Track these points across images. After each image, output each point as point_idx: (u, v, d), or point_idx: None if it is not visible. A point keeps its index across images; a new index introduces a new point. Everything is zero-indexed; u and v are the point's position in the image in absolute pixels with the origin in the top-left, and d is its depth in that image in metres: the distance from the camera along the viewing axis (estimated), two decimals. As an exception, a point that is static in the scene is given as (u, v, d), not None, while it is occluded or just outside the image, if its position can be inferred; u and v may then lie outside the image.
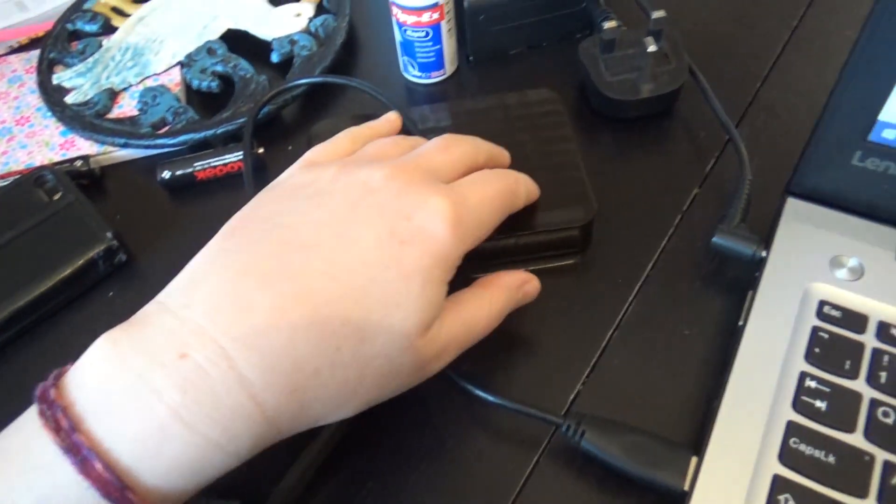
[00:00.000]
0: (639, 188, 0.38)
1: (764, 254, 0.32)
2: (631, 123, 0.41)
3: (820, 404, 0.27)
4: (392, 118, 0.36)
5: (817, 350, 0.29)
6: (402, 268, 0.24)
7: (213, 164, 0.40)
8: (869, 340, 0.29)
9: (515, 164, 0.36)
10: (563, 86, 0.41)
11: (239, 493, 0.27)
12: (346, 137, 0.32)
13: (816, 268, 0.31)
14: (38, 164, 0.41)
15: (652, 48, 0.38)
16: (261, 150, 0.41)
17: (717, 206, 0.37)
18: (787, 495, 0.25)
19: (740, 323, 0.30)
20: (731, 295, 0.33)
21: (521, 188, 0.31)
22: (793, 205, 0.34)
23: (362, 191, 0.26)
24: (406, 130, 0.38)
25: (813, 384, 0.28)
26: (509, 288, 0.30)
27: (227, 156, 0.40)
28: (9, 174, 0.41)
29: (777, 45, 0.44)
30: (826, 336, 0.29)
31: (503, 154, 0.34)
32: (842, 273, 0.31)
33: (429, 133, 0.38)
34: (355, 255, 0.24)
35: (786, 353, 0.29)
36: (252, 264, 0.24)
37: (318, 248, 0.24)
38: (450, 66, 0.45)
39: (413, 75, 0.45)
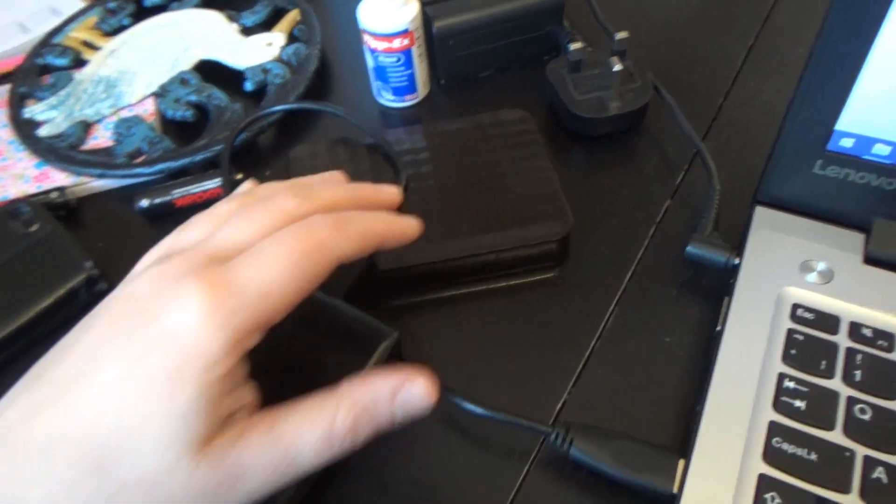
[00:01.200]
0: (612, 202, 0.39)
1: (737, 261, 0.33)
2: (601, 140, 0.42)
3: (799, 404, 0.28)
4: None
5: (793, 351, 0.30)
6: (145, 376, 0.21)
7: (192, 192, 0.40)
8: (842, 340, 0.30)
9: (491, 183, 0.37)
10: (533, 106, 0.42)
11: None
12: (204, 219, 0.27)
13: (787, 273, 0.32)
14: (12, 196, 0.41)
15: (617, 67, 0.39)
16: (239, 176, 0.41)
17: (689, 217, 0.38)
18: (774, 493, 0.26)
19: (718, 328, 0.31)
20: (708, 302, 0.34)
21: (338, 238, 0.25)
22: (761, 213, 0.35)
23: (128, 302, 0.23)
24: (358, 172, 0.39)
25: (791, 385, 0.29)
26: (367, 403, 0.24)
27: (206, 182, 0.40)
28: (-18, 208, 0.40)
29: (736, 62, 0.46)
30: (801, 338, 0.30)
31: (372, 192, 0.30)
32: (812, 277, 0.32)
33: (406, 154, 0.39)
34: (96, 384, 0.21)
35: (764, 355, 0.30)
36: (14, 398, 0.22)
37: (63, 382, 0.21)
38: (422, 90, 0.46)
39: (387, 99, 0.46)
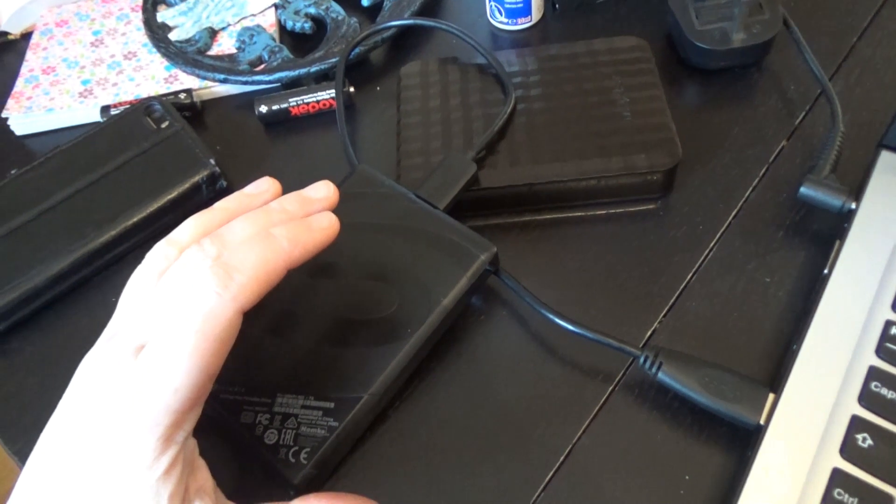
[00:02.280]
0: (724, 138, 0.38)
1: (853, 205, 0.32)
2: (719, 74, 0.41)
3: (904, 352, 0.27)
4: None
5: (904, 300, 0.29)
6: (100, 470, 0.22)
7: (306, 101, 0.42)
8: (959, 293, 0.29)
9: (600, 110, 0.37)
10: (650, 35, 0.41)
11: (332, 397, 0.29)
12: (129, 298, 0.26)
13: (908, 220, 0.31)
14: (145, 95, 0.44)
15: (747, -4, 0.38)
16: (352, 89, 0.42)
17: (803, 160, 0.37)
18: (865, 434, 0.26)
19: (825, 271, 0.30)
20: (816, 246, 0.33)
21: (228, 295, 0.23)
22: (886, 158, 0.33)
23: (70, 433, 0.23)
24: (467, 91, 0.39)
25: (898, 332, 0.28)
26: None
27: (319, 93, 0.41)
28: (120, 104, 0.43)
29: (878, -2, 0.43)
30: (915, 287, 0.29)
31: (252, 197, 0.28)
32: (935, 226, 0.30)
33: (516, 76, 0.39)
34: None
35: (872, 301, 0.29)
36: None
37: None
38: (536, 14, 0.45)
39: (499, 21, 0.45)
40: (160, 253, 0.26)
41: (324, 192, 0.29)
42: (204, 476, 0.25)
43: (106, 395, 0.23)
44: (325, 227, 0.27)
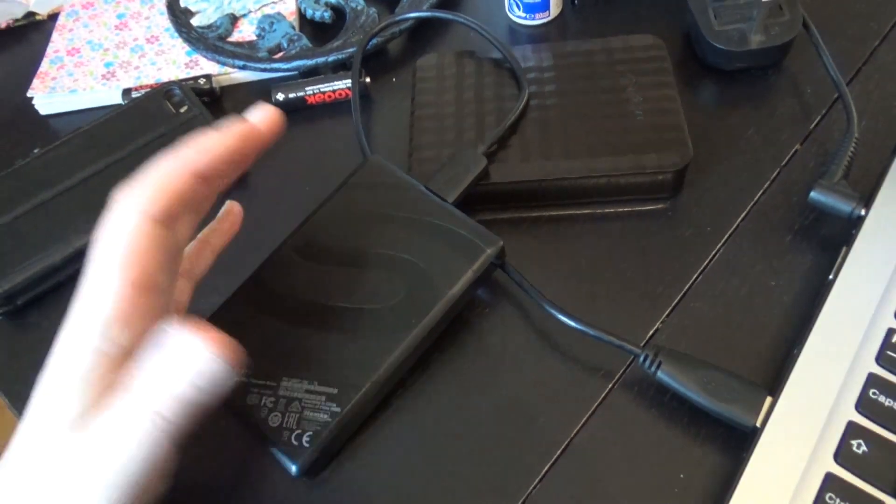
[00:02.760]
0: (738, 140, 0.38)
1: (863, 212, 0.32)
2: (736, 75, 0.41)
3: (905, 360, 0.27)
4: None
5: (908, 309, 0.29)
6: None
7: (322, 90, 0.42)
8: (965, 304, 0.28)
9: (613, 108, 0.37)
10: (667, 33, 0.41)
11: (336, 384, 0.29)
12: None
13: (917, 229, 0.31)
14: (166, 79, 0.45)
15: (767, -3, 0.37)
16: (367, 80, 0.43)
17: (817, 165, 0.37)
18: (861, 441, 0.26)
19: (830, 277, 0.31)
20: (823, 251, 0.33)
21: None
22: (900, 165, 0.33)
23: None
24: (482, 85, 0.39)
25: (900, 341, 0.28)
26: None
27: (336, 82, 0.42)
28: (141, 87, 0.44)
29: (902, 3, 0.43)
30: (919, 296, 0.29)
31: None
32: (944, 236, 0.30)
33: (531, 71, 0.39)
34: None
35: (875, 309, 0.29)
36: None
37: None
38: (554, 9, 0.45)
39: (517, 16, 0.46)
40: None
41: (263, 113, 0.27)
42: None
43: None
44: (237, 128, 0.26)
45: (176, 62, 0.46)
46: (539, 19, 0.45)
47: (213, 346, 0.23)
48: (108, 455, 0.22)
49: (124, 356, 0.23)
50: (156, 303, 0.24)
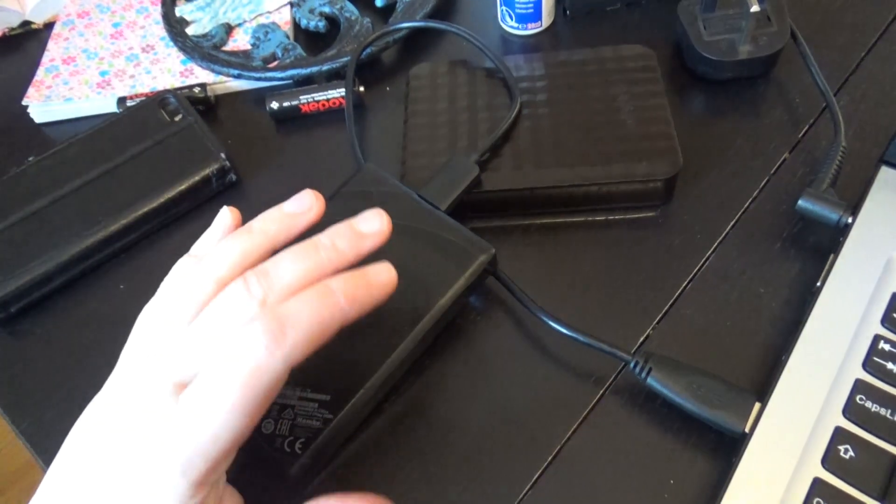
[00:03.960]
0: (727, 149, 0.38)
1: (850, 220, 0.32)
2: (725, 85, 0.41)
3: (892, 366, 0.28)
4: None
5: (895, 315, 0.29)
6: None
7: (316, 99, 0.42)
8: (949, 311, 0.29)
9: (604, 117, 0.37)
10: (657, 44, 0.42)
11: (328, 390, 0.30)
12: (164, 319, 0.25)
13: (903, 237, 0.31)
14: (161, 88, 0.45)
15: (755, 8, 0.38)
16: (361, 89, 0.43)
17: (805, 174, 0.37)
18: (848, 446, 0.26)
19: (818, 284, 0.31)
20: (811, 259, 0.34)
21: (278, 352, 0.22)
22: (886, 174, 0.34)
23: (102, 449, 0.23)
24: (475, 95, 0.39)
25: (887, 347, 0.28)
26: None
27: (330, 91, 0.42)
28: (136, 95, 0.45)
29: (887, 15, 0.43)
30: (905, 303, 0.29)
31: (350, 245, 0.26)
32: (929, 244, 0.31)
33: (523, 81, 0.40)
34: None
35: (862, 315, 0.29)
36: None
37: None
38: (546, 19, 0.46)
39: (510, 26, 0.46)
40: (192, 278, 0.25)
41: (377, 225, 0.26)
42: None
43: (142, 430, 0.22)
44: (385, 282, 0.25)
45: (171, 71, 0.46)
46: (531, 29, 0.46)
47: None
48: None
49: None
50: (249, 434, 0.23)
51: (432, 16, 0.46)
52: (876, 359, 0.28)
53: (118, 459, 0.23)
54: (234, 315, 0.23)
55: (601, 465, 0.29)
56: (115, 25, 0.50)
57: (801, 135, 0.39)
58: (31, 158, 0.41)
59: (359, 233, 0.26)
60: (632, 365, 0.30)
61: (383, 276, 0.25)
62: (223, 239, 0.26)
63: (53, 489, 0.24)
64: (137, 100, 0.44)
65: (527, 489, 0.29)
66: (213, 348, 0.23)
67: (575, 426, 0.30)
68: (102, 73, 0.47)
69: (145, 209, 0.38)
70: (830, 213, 0.33)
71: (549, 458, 0.30)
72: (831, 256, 0.32)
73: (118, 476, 0.23)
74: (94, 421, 0.24)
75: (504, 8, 0.45)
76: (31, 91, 0.46)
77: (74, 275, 0.38)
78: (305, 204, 0.27)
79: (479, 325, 0.34)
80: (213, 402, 0.22)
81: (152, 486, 0.22)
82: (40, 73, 0.47)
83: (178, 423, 0.22)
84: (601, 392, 0.31)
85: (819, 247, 0.34)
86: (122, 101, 0.45)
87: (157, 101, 0.42)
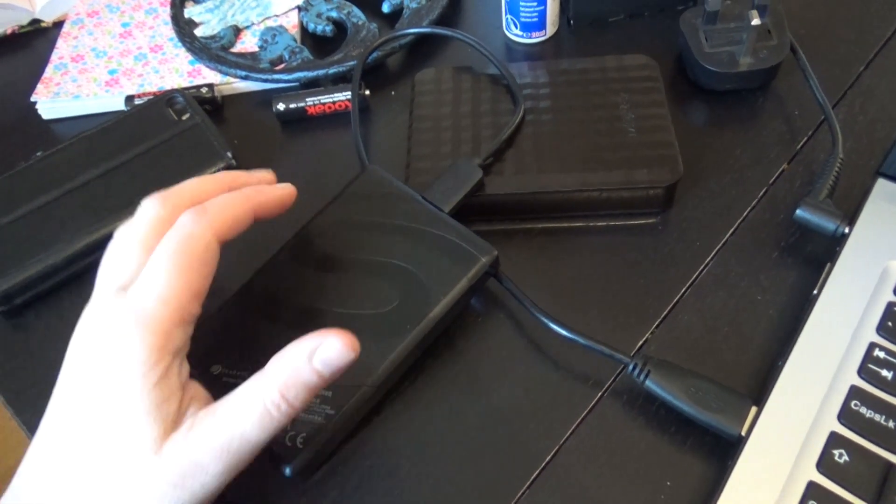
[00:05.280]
0: (726, 159, 0.39)
1: (847, 230, 0.33)
2: (725, 96, 0.42)
3: (886, 373, 0.28)
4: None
5: (890, 324, 0.30)
6: (98, 392, 0.25)
7: (322, 101, 0.43)
8: (943, 320, 0.29)
9: (606, 125, 0.38)
10: (659, 55, 0.42)
11: (331, 386, 0.30)
12: (108, 259, 0.29)
13: (899, 247, 0.32)
14: (168, 87, 0.45)
15: (755, 21, 0.38)
16: (367, 92, 0.43)
17: (803, 184, 0.38)
18: (842, 451, 0.27)
19: (815, 292, 0.31)
20: (808, 268, 0.34)
21: (201, 224, 0.27)
22: (882, 186, 0.34)
23: (71, 367, 0.26)
24: (479, 101, 0.40)
25: (881, 354, 0.29)
26: (288, 374, 0.26)
27: (336, 94, 0.43)
28: (143, 94, 0.45)
29: (886, 30, 0.44)
30: (900, 312, 0.30)
31: (245, 176, 0.32)
32: (924, 254, 0.31)
33: (527, 88, 0.40)
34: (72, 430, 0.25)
35: (858, 323, 0.30)
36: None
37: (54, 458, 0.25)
38: (550, 28, 0.47)
39: (514, 34, 0.47)
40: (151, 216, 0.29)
41: (286, 189, 0.32)
42: (196, 388, 0.27)
43: (101, 322, 0.26)
44: (284, 188, 0.32)
45: (179, 71, 0.47)
46: (535, 38, 0.47)
47: (343, 338, 0.26)
48: (229, 432, 0.25)
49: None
50: (197, 311, 0.27)
51: (438, 22, 0.47)
52: (871, 366, 0.28)
53: (88, 361, 0.26)
54: (146, 217, 0.28)
55: (598, 466, 0.30)
56: (125, 25, 0.50)
57: (799, 146, 0.39)
58: (38, 154, 0.41)
59: (248, 173, 0.33)
60: (630, 367, 0.30)
61: (285, 186, 0.32)
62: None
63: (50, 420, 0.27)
64: (145, 98, 0.44)
65: (524, 489, 0.29)
66: (143, 240, 0.28)
67: (573, 427, 0.31)
68: (111, 72, 0.47)
69: (151, 206, 0.39)
70: (828, 223, 0.33)
71: (548, 459, 0.30)
72: (828, 265, 0.32)
73: (90, 373, 0.26)
74: (71, 350, 0.27)
75: (509, 16, 0.46)
76: (39, 87, 0.47)
77: (79, 269, 0.38)
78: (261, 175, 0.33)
79: (480, 327, 0.34)
80: (155, 271, 0.26)
81: (118, 361, 0.25)
82: (49, 71, 0.48)
83: (130, 301, 0.26)
84: (599, 394, 0.32)
85: (816, 256, 0.34)
86: (129, 99, 0.45)
87: (165, 99, 0.42)
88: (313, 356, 0.25)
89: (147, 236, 0.28)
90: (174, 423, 0.25)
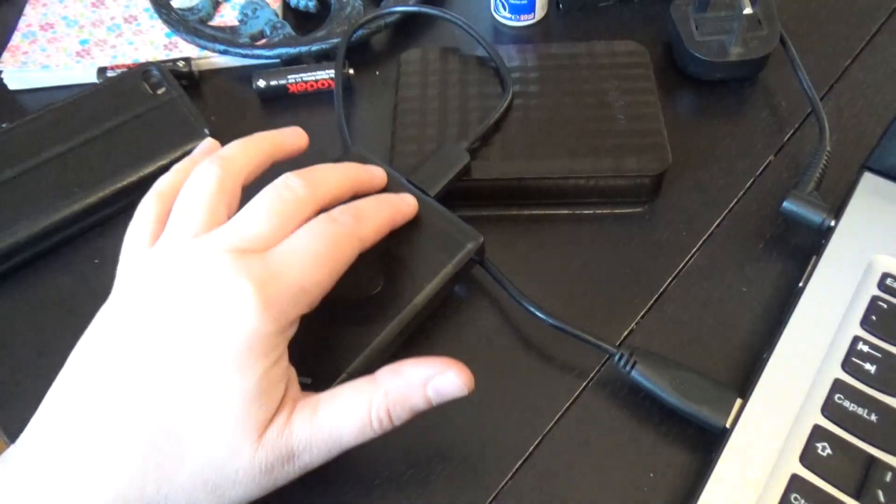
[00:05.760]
0: (714, 149, 0.39)
1: (832, 223, 0.33)
2: (714, 85, 0.41)
3: (869, 367, 0.28)
4: (207, 147, 0.33)
5: (874, 318, 0.30)
6: (214, 362, 0.23)
7: (305, 79, 0.42)
8: (927, 315, 0.29)
9: (595, 111, 0.37)
10: (648, 42, 0.42)
11: (311, 372, 0.29)
12: (151, 205, 0.29)
13: (884, 241, 0.32)
14: (143, 60, 0.44)
15: (747, 10, 0.38)
16: (351, 71, 0.42)
17: (789, 176, 0.38)
18: (825, 444, 0.27)
19: (800, 285, 0.31)
20: (794, 260, 0.34)
21: (361, 230, 0.28)
22: (868, 179, 0.34)
23: (162, 308, 0.24)
24: (466, 83, 0.39)
25: (865, 348, 0.29)
26: (400, 392, 0.25)
27: (319, 72, 0.42)
28: (117, 66, 0.43)
29: (873, 24, 0.44)
30: (885, 306, 0.30)
31: (369, 174, 0.32)
32: (909, 249, 0.31)
33: (515, 71, 0.39)
34: (165, 384, 0.23)
35: (842, 316, 0.30)
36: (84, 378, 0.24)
37: (131, 399, 0.23)
38: (540, 12, 0.46)
39: (503, 16, 0.46)
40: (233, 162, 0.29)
41: (380, 173, 0.33)
42: (291, 370, 0.26)
43: (243, 283, 0.24)
44: (414, 203, 0.32)
45: (154, 43, 0.45)
46: (524, 21, 0.46)
47: (462, 376, 0.25)
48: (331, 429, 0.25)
49: None
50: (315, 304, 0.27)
51: (425, 2, 0.46)
52: (854, 359, 0.28)
53: (181, 316, 0.24)
54: (296, 195, 0.27)
55: (581, 457, 0.29)
56: (97, -6, 0.48)
57: (786, 138, 0.39)
58: (3, 125, 0.39)
59: (368, 169, 0.32)
60: (616, 358, 0.30)
61: (410, 200, 0.32)
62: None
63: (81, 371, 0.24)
64: (118, 71, 0.43)
65: (507, 479, 0.29)
66: (288, 216, 0.26)
67: (556, 418, 0.30)
68: (82, 42, 0.45)
69: (123, 183, 0.37)
70: (814, 216, 0.33)
71: (530, 450, 0.30)
72: (814, 258, 0.32)
73: (184, 333, 0.23)
74: (135, 300, 0.25)
75: (497, -3, 0.45)
76: (5, 56, 0.44)
77: (46, 247, 0.37)
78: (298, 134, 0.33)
79: (464, 314, 0.34)
80: (308, 256, 0.25)
81: (244, 330, 0.23)
82: (16, 39, 0.46)
83: (271, 272, 0.24)
84: (584, 384, 0.31)
85: (802, 248, 0.34)
86: (102, 71, 0.43)
87: (140, 72, 0.41)
88: (429, 383, 0.25)
89: (289, 215, 0.26)
90: (278, 409, 0.24)
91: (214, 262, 0.24)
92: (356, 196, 0.30)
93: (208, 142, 0.33)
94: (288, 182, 0.27)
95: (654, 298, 0.33)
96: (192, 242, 0.25)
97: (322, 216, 0.27)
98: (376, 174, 0.32)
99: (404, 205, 0.31)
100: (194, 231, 0.26)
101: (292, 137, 0.32)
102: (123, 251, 0.28)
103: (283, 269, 0.25)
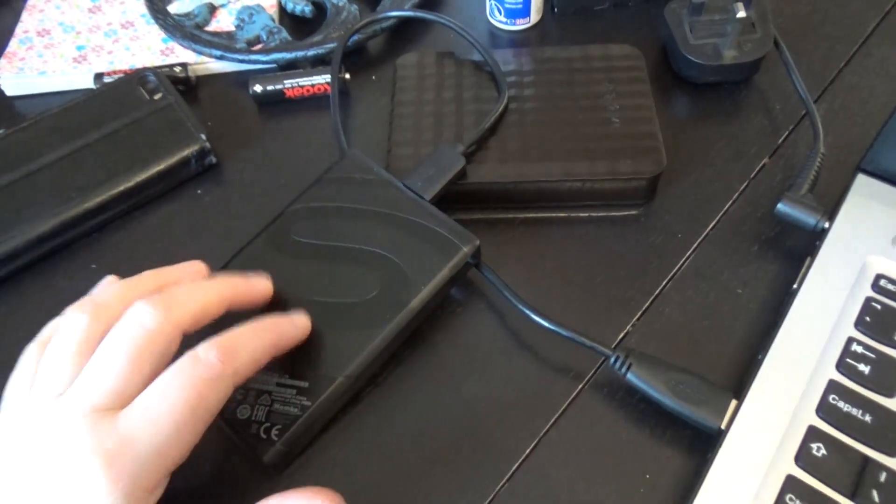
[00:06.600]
0: (709, 152, 0.39)
1: (826, 225, 0.33)
2: (708, 88, 0.42)
3: (863, 368, 0.28)
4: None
5: (868, 319, 0.30)
6: None
7: (301, 84, 0.42)
8: (920, 316, 0.30)
9: (590, 114, 0.37)
10: (643, 45, 0.42)
11: (306, 377, 0.29)
12: (62, 346, 0.25)
13: (878, 243, 0.32)
14: (140, 65, 0.44)
15: (741, 14, 0.38)
16: (347, 76, 0.42)
17: (784, 179, 0.38)
18: (820, 444, 0.27)
19: (795, 286, 0.31)
20: (788, 262, 0.34)
21: (228, 373, 0.25)
22: (862, 181, 0.34)
23: (14, 483, 0.23)
24: (461, 87, 0.39)
25: (859, 349, 0.29)
26: None
27: (315, 77, 0.42)
28: (114, 72, 0.43)
29: (866, 27, 0.44)
30: (879, 307, 0.30)
31: (247, 286, 0.29)
32: (902, 250, 0.31)
33: (511, 75, 0.39)
34: None
35: (837, 318, 0.30)
36: None
37: None
38: (535, 15, 0.46)
39: (498, 20, 0.46)
40: (99, 301, 0.26)
41: (264, 285, 0.30)
42: None
43: (89, 459, 0.22)
44: (305, 325, 0.29)
45: (151, 49, 0.45)
46: (519, 25, 0.46)
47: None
48: None
49: None
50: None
51: (421, 6, 0.46)
52: (849, 360, 0.29)
53: (42, 484, 0.22)
54: (143, 328, 0.24)
55: (578, 458, 0.29)
56: (94, 0, 0.48)
57: (780, 140, 0.39)
58: (1, 131, 0.39)
59: (248, 280, 0.30)
60: (612, 360, 0.30)
61: (301, 321, 0.30)
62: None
63: None
64: (115, 76, 0.43)
65: (504, 481, 0.29)
66: (137, 358, 0.24)
67: (553, 420, 0.30)
68: (79, 48, 0.45)
69: (120, 188, 0.37)
70: (808, 218, 0.33)
71: (527, 452, 0.30)
72: (808, 260, 0.32)
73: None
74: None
75: (493, 3, 0.45)
76: (2, 62, 0.45)
77: (44, 252, 0.37)
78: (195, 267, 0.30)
79: (461, 317, 0.34)
80: (164, 416, 0.23)
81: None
82: (13, 45, 0.46)
83: (121, 439, 0.22)
84: (580, 386, 0.31)
85: (796, 250, 0.35)
86: (99, 76, 0.43)
87: (137, 78, 0.41)
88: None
89: (139, 356, 0.24)
90: None
91: (69, 433, 0.23)
92: (236, 311, 0.28)
93: (105, 280, 0.29)
94: (137, 314, 0.25)
95: (650, 301, 0.34)
96: (51, 406, 0.24)
97: (184, 358, 0.24)
98: (257, 286, 0.29)
99: (291, 328, 0.29)
100: (59, 388, 0.24)
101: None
102: (4, 398, 0.26)
103: (136, 435, 0.23)
